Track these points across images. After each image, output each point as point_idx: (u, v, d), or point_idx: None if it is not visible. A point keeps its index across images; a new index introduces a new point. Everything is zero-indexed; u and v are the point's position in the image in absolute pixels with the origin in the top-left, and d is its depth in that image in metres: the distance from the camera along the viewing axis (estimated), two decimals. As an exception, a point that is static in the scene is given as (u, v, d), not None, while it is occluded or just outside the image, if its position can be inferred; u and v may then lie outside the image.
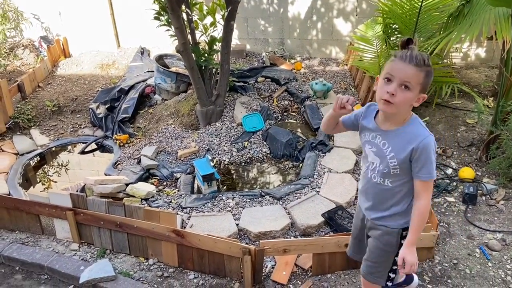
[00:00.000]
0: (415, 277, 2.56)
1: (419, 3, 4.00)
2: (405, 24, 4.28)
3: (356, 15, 6.08)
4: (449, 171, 3.91)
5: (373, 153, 1.91)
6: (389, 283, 2.11)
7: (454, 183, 3.74)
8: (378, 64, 4.77)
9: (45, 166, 4.69)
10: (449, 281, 2.75)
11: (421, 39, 4.29)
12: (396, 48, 4.53)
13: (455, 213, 3.42)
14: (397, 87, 1.69)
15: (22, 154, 4.68)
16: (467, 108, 4.66)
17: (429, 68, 1.70)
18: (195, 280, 2.89)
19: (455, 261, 2.91)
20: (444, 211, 3.45)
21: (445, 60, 5.04)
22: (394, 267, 2.06)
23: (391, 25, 4.54)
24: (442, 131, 4.44)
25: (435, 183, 3.74)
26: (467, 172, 3.75)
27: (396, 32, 4.58)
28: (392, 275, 2.09)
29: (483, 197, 3.55)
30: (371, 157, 1.93)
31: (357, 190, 3.51)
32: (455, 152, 4.15)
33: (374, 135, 1.90)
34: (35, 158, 4.73)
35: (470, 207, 3.45)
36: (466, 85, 4.81)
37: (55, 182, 4.38)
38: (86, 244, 3.24)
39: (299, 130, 4.82)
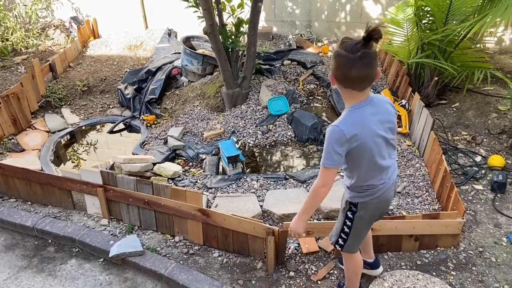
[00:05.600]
0: (381, 267, 2.65)
1: (454, -15, 3.87)
2: (438, 6, 4.15)
3: (386, -3, 5.93)
4: (478, 158, 3.83)
5: None
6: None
7: (483, 171, 3.67)
8: (408, 48, 4.66)
9: (75, 144, 4.84)
10: (473, 268, 2.73)
11: (454, 22, 4.15)
12: (428, 31, 4.41)
13: (482, 201, 3.36)
14: None
15: (54, 132, 4.85)
16: (499, 94, 4.52)
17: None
18: (219, 258, 2.96)
19: (480, 249, 2.87)
20: (471, 198, 3.39)
21: (478, 45, 4.87)
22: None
23: (423, 7, 4.41)
24: (472, 117, 4.33)
25: (463, 171, 3.67)
26: (496, 160, 3.66)
27: (428, 15, 4.45)
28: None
29: (513, 186, 3.48)
30: None
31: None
32: (485, 140, 4.05)
33: None
34: (66, 136, 4.89)
35: (498, 195, 3.38)
36: (499, 71, 4.65)
37: (85, 160, 4.52)
38: (115, 220, 3.36)
39: (324, 114, 4.79)
